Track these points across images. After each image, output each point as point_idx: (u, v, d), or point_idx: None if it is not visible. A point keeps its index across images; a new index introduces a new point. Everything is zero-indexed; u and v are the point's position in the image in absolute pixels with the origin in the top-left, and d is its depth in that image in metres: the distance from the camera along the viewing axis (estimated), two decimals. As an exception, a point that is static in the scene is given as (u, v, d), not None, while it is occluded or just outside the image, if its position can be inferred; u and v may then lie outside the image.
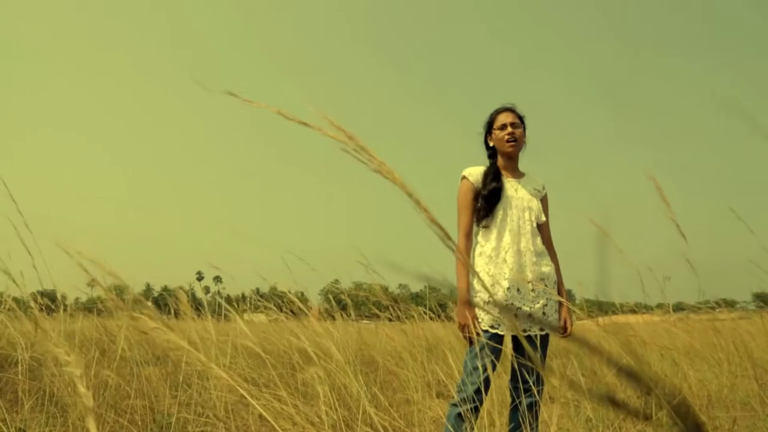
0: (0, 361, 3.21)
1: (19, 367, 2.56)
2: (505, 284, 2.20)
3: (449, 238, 0.67)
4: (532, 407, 2.16)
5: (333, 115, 0.64)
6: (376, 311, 4.53)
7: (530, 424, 2.13)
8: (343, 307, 4.71)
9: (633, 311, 4.13)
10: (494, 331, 2.19)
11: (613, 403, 0.39)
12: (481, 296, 2.25)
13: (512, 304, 2.20)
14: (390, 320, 4.64)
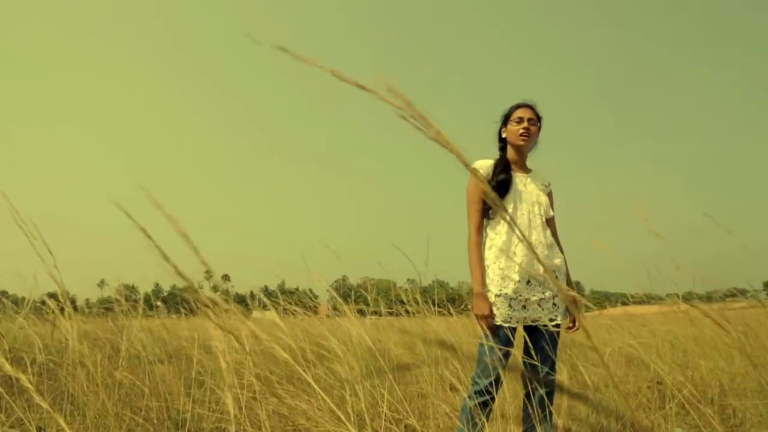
0: (17, 361, 3.24)
1: (35, 368, 2.59)
2: (516, 277, 2.19)
3: (506, 211, 0.70)
4: (548, 397, 2.14)
5: (392, 81, 0.62)
6: (386, 308, 4.52)
7: (542, 413, 2.13)
8: (356, 300, 4.70)
9: (642, 302, 4.11)
10: (507, 325, 2.19)
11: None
12: (492, 291, 2.24)
13: (521, 296, 2.20)
14: (399, 315, 4.63)
